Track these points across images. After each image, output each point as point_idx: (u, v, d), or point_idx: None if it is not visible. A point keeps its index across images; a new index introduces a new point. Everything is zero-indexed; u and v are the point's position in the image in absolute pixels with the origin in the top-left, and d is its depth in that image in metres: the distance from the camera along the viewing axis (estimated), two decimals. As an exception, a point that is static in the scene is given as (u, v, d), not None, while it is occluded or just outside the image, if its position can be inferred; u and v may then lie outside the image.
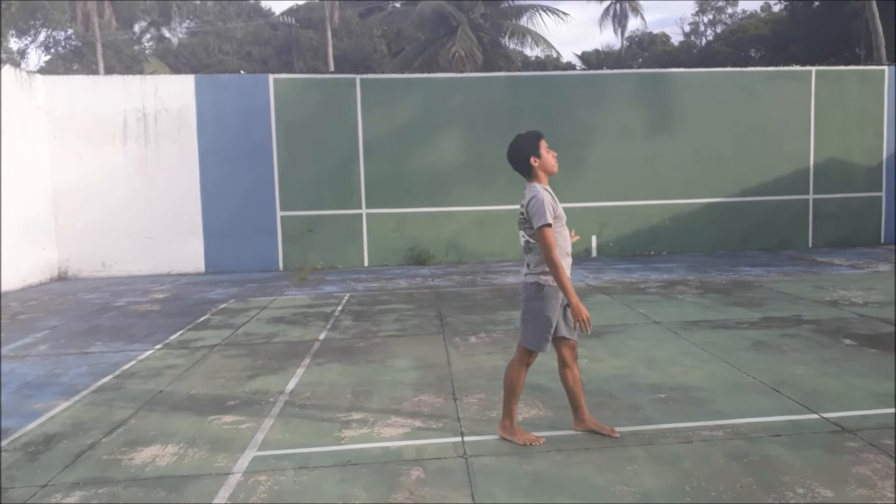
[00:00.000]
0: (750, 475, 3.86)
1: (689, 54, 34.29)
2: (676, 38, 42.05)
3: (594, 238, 14.88)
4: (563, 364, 4.46)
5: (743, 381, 5.62)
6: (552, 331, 4.27)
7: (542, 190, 4.20)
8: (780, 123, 15.05)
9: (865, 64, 22.43)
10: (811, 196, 15.30)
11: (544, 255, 4.12)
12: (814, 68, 15.33)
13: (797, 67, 15.62)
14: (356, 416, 5.04)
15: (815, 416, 4.74)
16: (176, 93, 13.98)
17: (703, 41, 39.08)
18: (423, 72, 22.14)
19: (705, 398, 5.19)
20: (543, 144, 4.30)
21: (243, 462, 4.25)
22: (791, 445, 4.25)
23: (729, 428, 4.57)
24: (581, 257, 14.71)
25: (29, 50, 30.94)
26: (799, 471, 3.89)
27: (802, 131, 15.17)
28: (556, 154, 4.35)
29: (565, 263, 4.19)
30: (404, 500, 3.69)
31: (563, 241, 4.24)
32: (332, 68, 29.77)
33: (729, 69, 15.79)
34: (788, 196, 15.22)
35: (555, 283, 4.17)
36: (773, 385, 5.44)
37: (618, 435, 4.45)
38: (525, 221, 4.24)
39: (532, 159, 4.25)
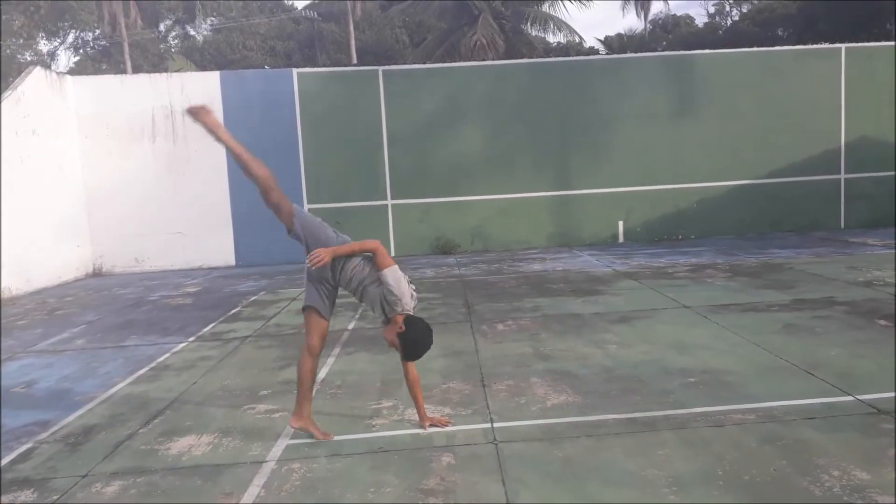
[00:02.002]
0: (784, 458, 3.82)
1: (715, 35, 33.69)
2: (701, 20, 41.35)
3: (621, 223, 14.78)
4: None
5: (775, 363, 5.56)
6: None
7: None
8: (809, 103, 14.77)
9: (898, 39, 21.84)
10: (842, 176, 15.01)
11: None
12: (843, 45, 15.00)
13: (826, 45, 15.29)
14: (386, 403, 5.09)
15: (849, 398, 4.68)
16: (202, 89, 14.13)
17: (729, 21, 38.37)
18: (445, 61, 22.03)
19: (737, 382, 5.14)
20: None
21: (277, 450, 4.32)
22: (825, 428, 4.20)
23: (761, 411, 4.53)
24: (608, 243, 14.63)
25: (59, 51, 31.44)
26: (834, 453, 3.84)
27: (832, 110, 14.88)
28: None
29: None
30: (436, 485, 3.72)
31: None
32: (354, 61, 29.82)
33: (755, 49, 15.50)
34: (819, 176, 14.95)
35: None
36: (805, 367, 5.37)
37: (331, 438, 4.42)
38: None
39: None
